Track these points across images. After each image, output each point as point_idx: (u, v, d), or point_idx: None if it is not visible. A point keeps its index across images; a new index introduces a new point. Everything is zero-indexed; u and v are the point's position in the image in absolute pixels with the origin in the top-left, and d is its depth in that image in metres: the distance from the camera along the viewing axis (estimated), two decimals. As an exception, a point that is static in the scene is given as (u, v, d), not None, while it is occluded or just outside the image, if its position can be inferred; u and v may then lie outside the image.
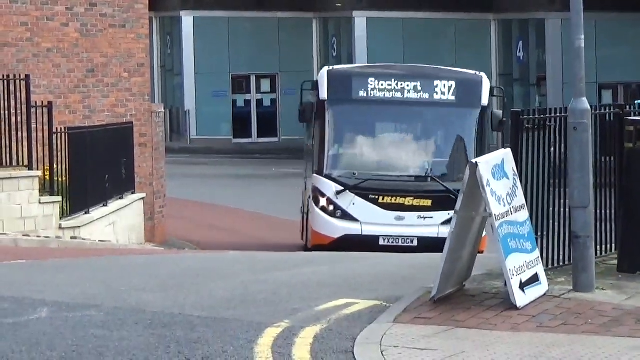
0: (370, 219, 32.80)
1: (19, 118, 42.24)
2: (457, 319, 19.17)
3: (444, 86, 33.02)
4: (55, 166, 42.58)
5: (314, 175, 34.85)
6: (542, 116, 25.37)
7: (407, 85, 33.25)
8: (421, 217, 32.67)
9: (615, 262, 22.22)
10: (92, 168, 41.29)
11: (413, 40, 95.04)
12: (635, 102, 48.63)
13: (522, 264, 20.11)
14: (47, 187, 41.76)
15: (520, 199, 20.67)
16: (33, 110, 42.67)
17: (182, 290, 23.40)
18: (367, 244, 32.70)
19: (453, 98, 33.14)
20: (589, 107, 21.80)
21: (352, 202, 33.14)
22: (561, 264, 21.20)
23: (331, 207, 33.31)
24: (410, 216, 32.79)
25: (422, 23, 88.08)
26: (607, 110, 26.37)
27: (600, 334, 18.22)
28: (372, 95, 33.55)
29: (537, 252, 20.54)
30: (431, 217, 32.63)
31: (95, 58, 49.91)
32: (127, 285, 24.30)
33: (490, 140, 35.70)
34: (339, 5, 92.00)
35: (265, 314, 19.53)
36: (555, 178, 21.96)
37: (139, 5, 54.56)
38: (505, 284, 19.86)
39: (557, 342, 17.76)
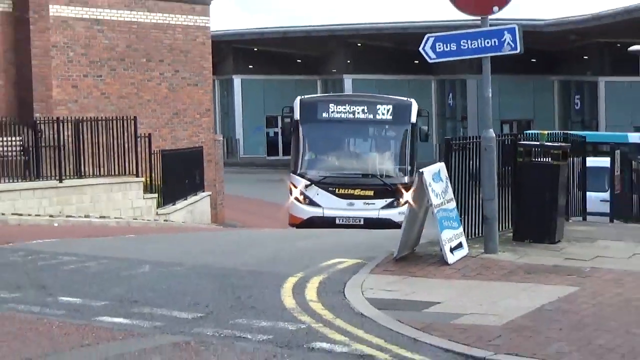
0: (330, 205, 34.24)
1: (130, 144, 41.69)
2: (410, 271, 19.26)
3: (384, 109, 34.73)
4: (152, 175, 42.69)
5: (291, 174, 36.48)
6: (464, 141, 25.45)
7: (357, 109, 35.14)
8: (366, 204, 34.01)
9: (511, 234, 22.28)
10: (177, 176, 41.57)
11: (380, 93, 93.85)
12: (525, 132, 48.47)
13: (452, 236, 20.30)
14: (148, 188, 41.85)
15: (450, 195, 20.87)
16: (139, 139, 42.69)
17: (235, 254, 23.93)
18: (327, 223, 34.09)
19: (390, 117, 34.92)
20: (494, 136, 21.78)
21: (316, 193, 34.56)
22: (476, 236, 21.27)
23: (302, 197, 34.84)
24: (358, 203, 34.11)
25: (388, 83, 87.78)
26: (506, 138, 26.41)
27: (502, 280, 18.30)
28: (331, 117, 35.36)
29: (461, 229, 20.71)
30: (373, 204, 34.09)
31: (178, 105, 49.73)
32: (199, 250, 24.71)
33: (418, 148, 36.38)
34: (334, 70, 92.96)
35: (288, 269, 19.65)
36: (472, 180, 22.07)
37: (206, 71, 54.59)
38: (441, 249, 20.03)
39: (474, 286, 17.87)
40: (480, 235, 21.41)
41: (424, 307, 15.88)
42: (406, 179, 34.10)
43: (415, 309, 15.64)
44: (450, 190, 21.07)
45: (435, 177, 20.81)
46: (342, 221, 33.47)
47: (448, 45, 21.39)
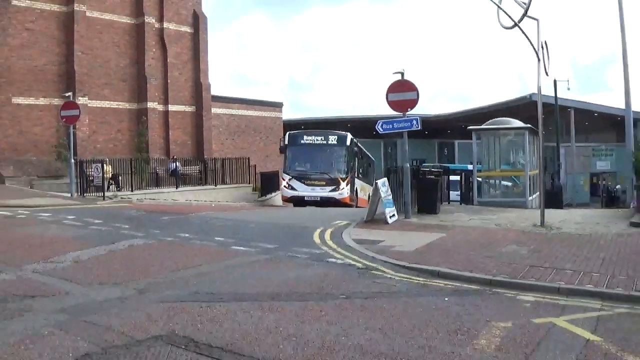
0: (301, 190, 34.99)
1: (246, 169, 41.02)
2: (371, 226, 19.00)
3: (332, 137, 36.11)
4: (256, 183, 41.43)
5: (283, 172, 37.07)
6: (395, 167, 25.19)
7: (318, 138, 36.50)
8: (321, 188, 34.67)
9: (417, 210, 22.09)
10: (266, 183, 40.60)
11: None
12: (422, 164, 47.87)
13: (390, 211, 20.01)
14: (254, 189, 41.08)
15: (389, 192, 20.59)
16: (250, 167, 42.09)
17: (290, 218, 23.57)
18: (300, 200, 34.63)
19: (335, 142, 35.90)
20: (408, 166, 21.66)
21: (295, 183, 35.14)
22: (400, 211, 20.96)
23: (287, 185, 35.35)
24: (317, 188, 34.71)
25: (364, 142, 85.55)
26: (414, 167, 26.12)
27: (412, 231, 18.06)
28: (304, 142, 36.30)
29: (394, 207, 20.43)
30: (324, 189, 34.66)
31: (268, 151, 48.46)
32: (275, 216, 24.68)
33: (351, 160, 36.29)
34: None
35: (316, 225, 19.35)
36: (399, 185, 21.82)
37: (280, 137, 48.84)
38: (385, 217, 19.85)
39: (400, 233, 17.59)
40: (402, 211, 21.19)
41: (377, 243, 15.83)
42: (343, 175, 34.93)
43: (373, 244, 15.60)
44: (389, 189, 20.91)
45: (383, 184, 20.69)
46: (308, 198, 34.51)
47: (388, 125, 21.34)
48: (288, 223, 21.34)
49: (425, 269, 12.49)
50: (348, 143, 35.73)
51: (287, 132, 37.87)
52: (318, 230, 18.67)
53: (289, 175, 35.69)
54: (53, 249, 14.74)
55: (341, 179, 34.70)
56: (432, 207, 22.75)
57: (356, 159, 37.74)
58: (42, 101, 36.51)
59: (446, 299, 10.29)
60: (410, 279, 11.90)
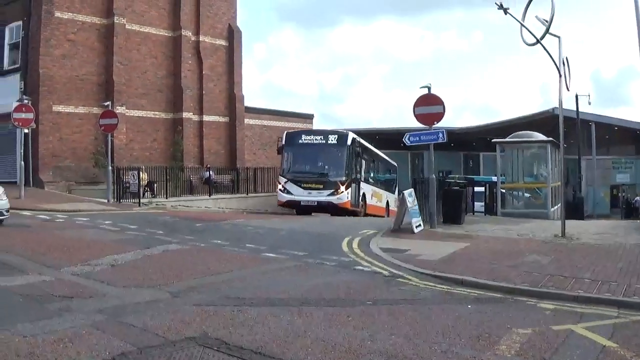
0: (298, 193, 31.41)
1: (276, 177, 39.99)
2: (398, 235, 19.01)
3: (332, 137, 32.78)
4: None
5: (279, 175, 33.45)
6: (422, 179, 25.22)
7: (317, 137, 33.36)
8: (318, 192, 31.08)
9: (442, 220, 22.07)
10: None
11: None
12: (448, 176, 47.63)
13: (416, 221, 20.07)
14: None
15: (415, 202, 20.62)
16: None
17: (319, 226, 23.42)
18: (296, 204, 31.85)
19: (335, 142, 32.44)
20: (434, 177, 21.73)
21: (291, 186, 31.70)
22: (426, 221, 20.97)
23: (282, 188, 32.05)
24: (313, 192, 31.16)
25: (391, 153, 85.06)
26: (440, 178, 26.17)
27: (437, 240, 18.07)
28: (302, 142, 33.13)
29: (420, 217, 20.47)
30: (322, 192, 31.04)
31: None
32: (306, 224, 23.81)
33: (353, 160, 32.71)
34: None
35: (344, 233, 19.35)
36: (425, 197, 21.79)
37: None
38: (411, 226, 19.89)
39: (425, 242, 17.68)
40: (428, 220, 21.18)
41: (403, 251, 15.88)
42: (342, 178, 31.23)
43: (400, 253, 15.65)
44: (415, 200, 20.91)
45: (410, 194, 20.64)
46: (304, 203, 31.47)
47: (415, 137, 21.36)
48: (317, 231, 21.27)
49: (449, 277, 12.56)
50: (349, 143, 32.15)
51: (285, 131, 35.32)
52: (346, 239, 18.66)
53: (284, 178, 32.47)
54: (91, 253, 14.94)
55: (340, 182, 31.21)
56: (457, 217, 22.70)
57: (362, 161, 34.59)
58: (81, 109, 36.74)
59: (469, 306, 10.36)
60: (435, 286, 11.98)
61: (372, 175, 37.80)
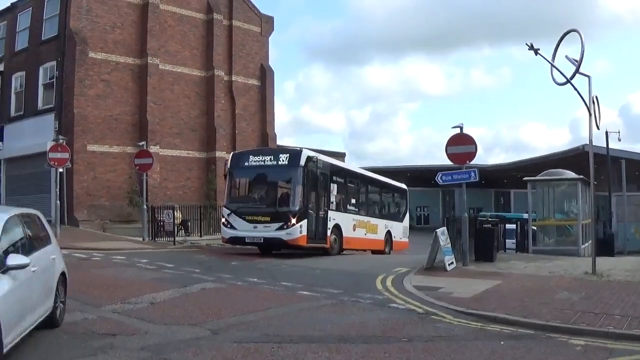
0: (242, 228, 25.64)
1: None
2: (431, 273, 19.12)
3: (283, 157, 26.42)
4: None
5: (222, 206, 28.19)
6: (454, 217, 25.41)
7: (265, 158, 26.96)
8: (265, 226, 25.28)
9: (474, 258, 22.14)
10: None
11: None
12: (479, 213, 47.61)
13: (449, 258, 20.20)
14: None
15: (448, 240, 20.70)
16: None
17: (354, 265, 23.41)
18: (241, 241, 26.42)
19: (286, 162, 26.06)
20: (467, 215, 21.80)
21: (235, 219, 25.97)
22: (459, 260, 21.04)
23: (226, 222, 26.37)
24: (259, 226, 25.39)
25: (420, 191, 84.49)
26: (472, 216, 26.29)
27: (470, 278, 18.19)
28: (248, 165, 27.03)
29: (453, 255, 20.57)
30: (269, 226, 25.28)
31: None
32: (341, 262, 24.34)
33: (310, 185, 26.15)
34: None
35: (377, 272, 19.50)
36: (458, 234, 21.87)
37: None
38: (444, 264, 19.99)
39: (458, 280, 17.75)
40: (460, 258, 21.27)
41: (437, 289, 16.05)
42: (293, 208, 25.35)
43: (433, 290, 15.82)
44: (448, 238, 21.02)
45: (442, 232, 20.70)
46: (249, 240, 26.04)
47: (447, 177, 21.56)
48: (352, 270, 21.43)
49: (482, 315, 12.76)
50: (302, 163, 25.83)
51: (232, 153, 29.84)
52: (380, 277, 18.82)
53: (227, 209, 26.85)
54: (130, 291, 15.24)
55: (290, 213, 25.40)
56: (489, 255, 22.80)
57: (332, 185, 28.58)
58: (115, 149, 37.08)
59: (502, 342, 10.56)
60: (469, 324, 12.19)
61: (354, 201, 31.79)
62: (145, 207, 31.42)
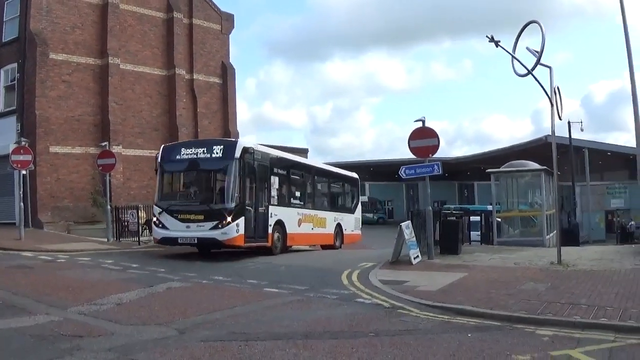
0: (174, 227, 23.33)
1: None
2: (396, 267, 19.20)
3: (217, 148, 23.86)
4: None
5: (154, 204, 25.19)
6: (417, 211, 25.49)
7: (198, 150, 24.21)
8: (198, 225, 22.97)
9: (439, 251, 22.26)
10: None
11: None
12: (443, 206, 47.79)
13: (414, 252, 20.24)
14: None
15: (413, 234, 20.77)
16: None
17: (318, 261, 23.53)
18: (173, 242, 24.04)
19: (220, 155, 23.59)
20: (430, 208, 21.91)
21: (167, 218, 23.64)
22: (424, 252, 21.10)
23: (157, 222, 24.01)
24: (192, 225, 23.04)
25: (383, 185, 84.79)
26: (436, 209, 26.39)
27: (435, 271, 18.32)
28: (180, 158, 24.56)
29: (418, 249, 20.62)
30: (203, 226, 22.95)
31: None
32: (307, 259, 24.54)
33: (246, 179, 23.73)
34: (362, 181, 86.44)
35: (343, 268, 19.56)
36: (421, 227, 22.04)
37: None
38: (409, 258, 20.04)
39: (423, 273, 17.81)
40: (425, 252, 21.35)
41: (402, 283, 16.10)
42: (228, 205, 23.03)
43: (399, 284, 15.87)
44: (412, 232, 21.06)
45: (407, 226, 20.76)
46: (183, 240, 23.73)
47: (411, 170, 21.60)
48: (317, 266, 21.49)
49: (449, 307, 12.82)
50: (237, 155, 23.60)
51: (162, 146, 27.15)
52: (346, 272, 18.88)
53: (159, 207, 24.56)
54: (96, 292, 15.11)
55: (225, 210, 23.14)
56: (454, 247, 22.93)
57: (272, 177, 26.39)
58: (78, 150, 36.82)
59: (469, 335, 10.60)
60: (435, 317, 12.27)
61: (298, 195, 29.77)
62: (109, 207, 31.17)
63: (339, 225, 33.06)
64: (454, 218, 24.60)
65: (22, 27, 36.67)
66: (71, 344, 9.83)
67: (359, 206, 37.84)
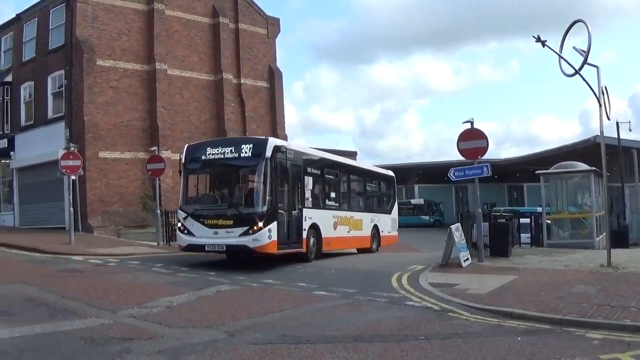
0: (201, 234, 21.62)
1: None
2: (446, 270, 19.14)
3: (246, 148, 21.93)
4: None
5: (178, 208, 23.52)
6: (467, 213, 25.39)
7: (227, 150, 22.39)
8: (227, 231, 21.16)
9: (489, 253, 22.14)
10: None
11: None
12: (493, 208, 47.55)
13: (464, 254, 20.18)
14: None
15: (463, 236, 20.75)
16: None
17: (368, 264, 23.28)
18: (199, 249, 22.14)
19: (249, 154, 21.76)
20: (480, 211, 21.82)
21: (192, 224, 21.95)
22: (474, 255, 21.04)
23: (182, 227, 22.37)
24: (221, 231, 21.27)
25: (433, 187, 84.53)
26: (486, 211, 26.27)
27: (486, 274, 18.24)
28: (205, 158, 22.80)
29: (468, 251, 20.56)
30: (232, 232, 21.10)
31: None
32: (356, 262, 24.27)
33: (279, 180, 21.89)
34: (410, 182, 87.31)
35: (393, 270, 19.61)
36: (471, 229, 22.03)
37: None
38: (459, 261, 19.99)
39: (473, 276, 17.77)
40: (475, 254, 21.28)
41: (452, 286, 16.09)
42: (260, 209, 21.19)
43: (449, 287, 15.86)
44: (462, 234, 21.02)
45: (457, 228, 20.73)
46: (210, 248, 21.91)
47: (460, 172, 21.49)
48: (366, 269, 21.49)
49: (499, 310, 12.82)
50: (268, 154, 21.69)
51: (186, 145, 25.13)
52: (395, 275, 18.92)
53: (184, 212, 22.87)
54: (146, 295, 15.30)
55: (256, 215, 21.26)
56: (504, 250, 22.78)
57: (306, 177, 24.56)
58: (127, 155, 37.11)
59: (519, 338, 10.58)
60: (485, 320, 12.27)
61: (333, 195, 27.72)
62: (158, 211, 31.43)
63: (375, 227, 31.34)
64: (504, 220, 24.51)
65: (69, 34, 37.03)
66: (121, 347, 9.95)
67: (396, 206, 35.93)
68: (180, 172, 23.78)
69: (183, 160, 23.60)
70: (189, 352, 9.67)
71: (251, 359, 9.22)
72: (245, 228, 21.00)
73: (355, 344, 10.06)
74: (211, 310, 13.39)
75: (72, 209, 30.30)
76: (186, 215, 22.41)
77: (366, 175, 32.85)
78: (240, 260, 24.03)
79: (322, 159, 27.05)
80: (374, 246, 30.96)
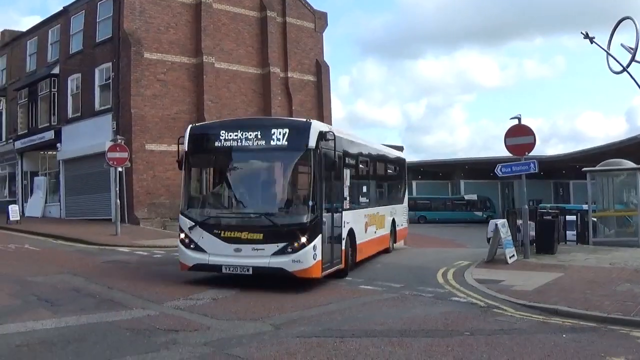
0: (216, 251, 15.58)
1: None
2: (491, 267, 19.11)
3: (279, 133, 15.49)
4: None
5: (179, 214, 16.81)
6: (514, 209, 25.26)
7: (249, 135, 15.78)
8: (255, 248, 15.20)
9: (535, 250, 22.04)
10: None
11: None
12: (539, 205, 47.20)
13: (510, 251, 20.12)
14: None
15: (509, 233, 20.62)
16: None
17: (415, 259, 23.39)
18: (214, 269, 15.92)
19: (285, 143, 15.46)
20: (527, 207, 21.76)
21: (201, 236, 15.79)
22: (520, 251, 20.98)
23: (186, 240, 16.08)
24: (247, 247, 15.24)
25: (478, 184, 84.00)
26: (532, 207, 26.11)
27: (531, 270, 18.16)
28: (221, 146, 16.19)
29: (514, 248, 20.49)
30: (263, 249, 15.13)
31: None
32: (402, 257, 24.15)
33: (326, 178, 16.01)
34: (456, 177, 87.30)
35: (439, 265, 19.69)
36: (516, 228, 22.00)
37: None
38: (505, 257, 19.95)
39: (519, 273, 17.70)
40: (521, 251, 21.21)
41: (498, 282, 16.06)
42: (304, 218, 15.23)
43: (494, 283, 15.83)
44: (509, 230, 20.95)
45: (503, 225, 20.68)
46: (229, 270, 15.59)
47: (507, 168, 21.42)
48: (412, 264, 21.46)
49: (544, 308, 12.83)
50: (312, 142, 15.53)
51: (190, 127, 17.36)
52: (441, 270, 18.99)
53: (189, 219, 16.34)
54: (191, 287, 15.52)
55: (298, 227, 15.26)
56: (549, 247, 22.67)
57: (345, 170, 18.37)
58: (174, 147, 37.23)
59: (564, 335, 10.59)
60: (530, 316, 12.29)
61: (364, 190, 21.90)
62: (205, 203, 31.12)
63: (393, 222, 25.77)
64: (550, 217, 24.37)
65: (116, 27, 37.37)
66: (167, 338, 10.08)
67: (407, 193, 30.76)
68: (179, 163, 17.19)
69: (186, 149, 16.81)
70: (234, 344, 9.76)
71: (297, 352, 9.28)
72: (282, 245, 15.25)
73: (401, 339, 10.14)
74: (257, 302, 13.46)
75: (118, 200, 30.73)
76: (193, 224, 16.20)
77: (385, 160, 26.16)
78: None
79: (359, 144, 21.16)
80: (392, 244, 25.94)
